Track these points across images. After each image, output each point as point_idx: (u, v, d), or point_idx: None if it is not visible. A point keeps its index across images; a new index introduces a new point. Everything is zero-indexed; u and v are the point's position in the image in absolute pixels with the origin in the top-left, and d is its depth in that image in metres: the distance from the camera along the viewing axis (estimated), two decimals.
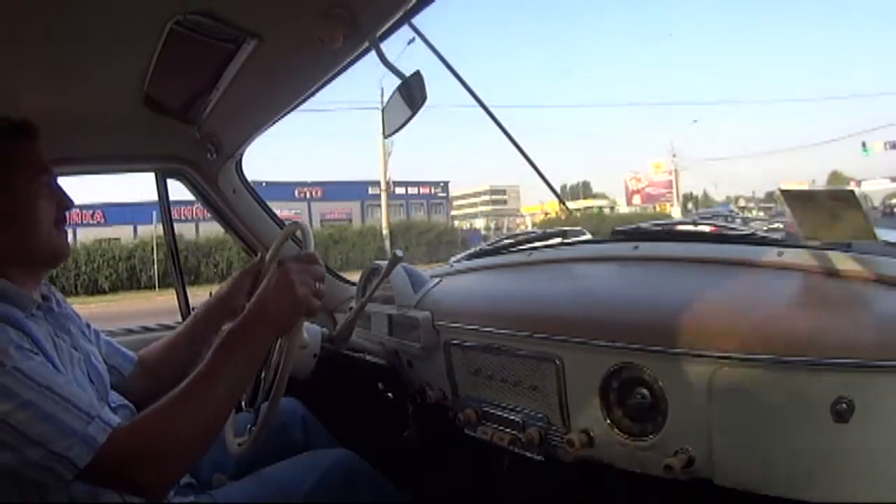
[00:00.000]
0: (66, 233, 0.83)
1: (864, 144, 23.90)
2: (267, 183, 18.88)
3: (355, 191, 23.81)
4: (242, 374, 0.72)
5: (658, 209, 28.85)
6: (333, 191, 23.69)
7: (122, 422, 0.66)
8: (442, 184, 27.90)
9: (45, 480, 0.63)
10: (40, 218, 0.77)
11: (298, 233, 0.93)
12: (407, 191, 26.09)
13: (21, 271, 0.76)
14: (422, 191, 27.34)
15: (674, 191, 28.97)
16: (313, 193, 23.21)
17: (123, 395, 0.89)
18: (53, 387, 0.64)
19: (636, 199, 31.37)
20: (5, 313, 0.69)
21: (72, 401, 0.64)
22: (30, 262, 0.77)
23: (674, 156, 29.56)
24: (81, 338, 0.85)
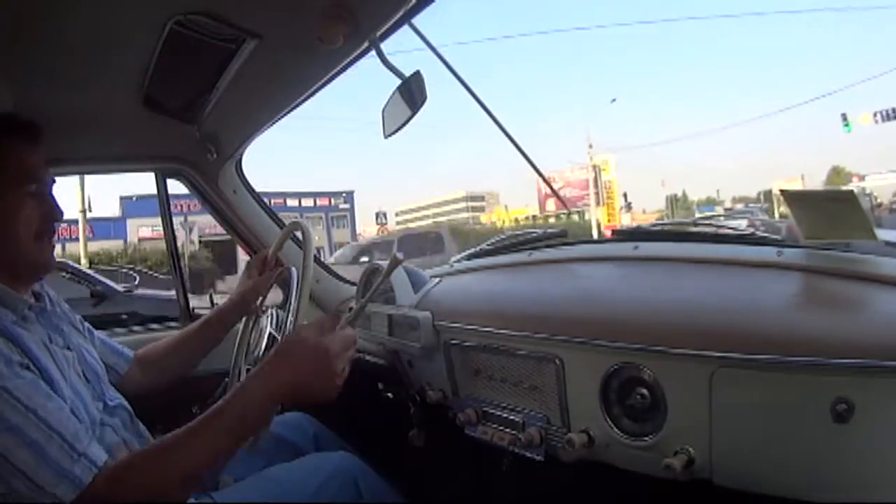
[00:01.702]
0: (50, 245, 0.79)
1: (843, 118, 18.62)
2: (138, 197, 17.43)
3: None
4: (237, 439, 0.67)
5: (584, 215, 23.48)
6: None
7: (108, 459, 0.65)
8: (345, 194, 25.01)
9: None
10: (17, 227, 0.73)
11: (298, 233, 0.93)
12: (300, 203, 23.47)
13: (6, 276, 0.74)
14: (319, 202, 24.40)
15: (599, 191, 23.30)
16: (191, 207, 21.13)
17: (119, 391, 0.89)
18: (40, 411, 0.62)
19: (551, 205, 26.79)
20: None
21: (59, 431, 0.63)
22: (10, 269, 0.75)
23: (590, 146, 23.80)
24: (74, 334, 0.85)
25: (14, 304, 0.73)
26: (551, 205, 26.07)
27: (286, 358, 0.68)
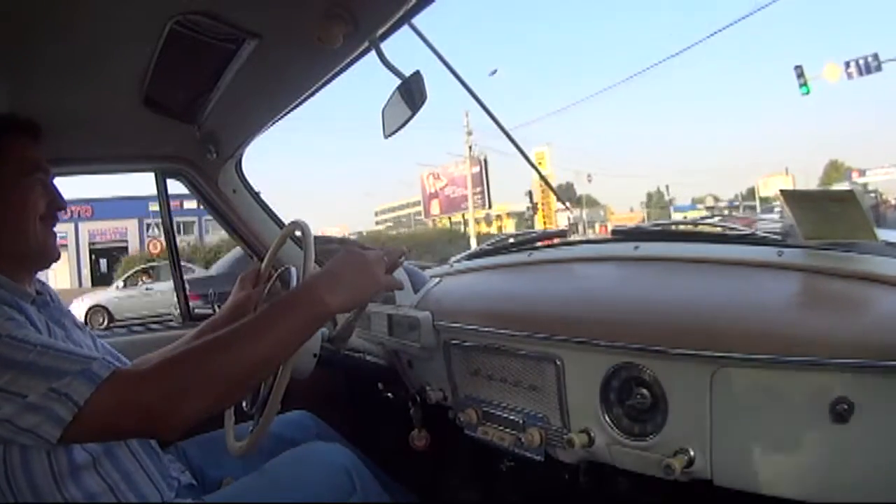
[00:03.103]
0: (54, 233, 0.81)
1: (798, 74, 12.71)
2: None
3: (133, 208, 19.32)
4: (288, 337, 0.68)
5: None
6: (105, 209, 19.88)
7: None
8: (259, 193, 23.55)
9: (39, 429, 0.58)
10: (27, 212, 0.77)
11: (298, 233, 0.93)
12: (200, 205, 21.99)
13: (11, 266, 0.76)
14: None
15: (485, 189, 19.25)
16: (81, 213, 19.45)
17: None
18: (49, 344, 0.63)
19: (435, 206, 22.89)
20: (2, 296, 0.69)
21: (71, 351, 0.62)
22: (18, 257, 0.77)
23: (469, 133, 19.48)
24: (75, 331, 0.85)
25: (19, 294, 0.74)
26: (436, 207, 23.02)
27: (338, 260, 0.75)
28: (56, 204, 0.81)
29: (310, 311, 0.69)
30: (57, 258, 0.83)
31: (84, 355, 0.62)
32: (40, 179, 0.79)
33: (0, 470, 0.66)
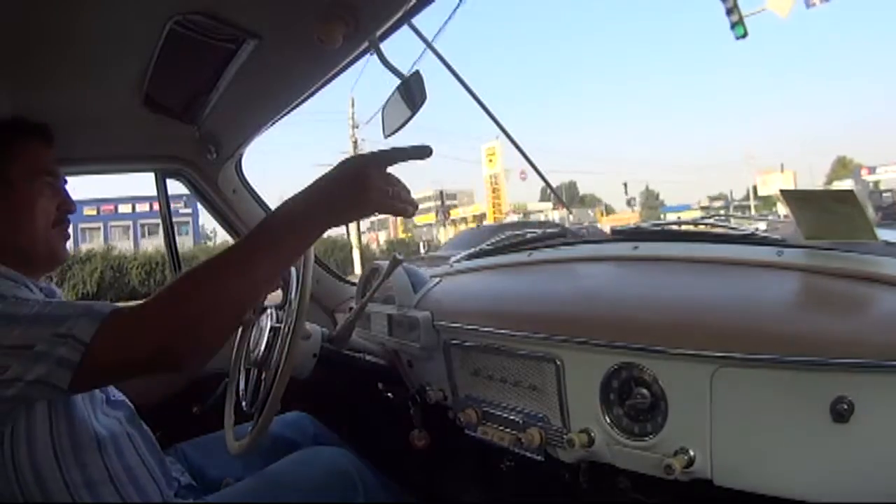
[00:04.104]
0: (65, 236, 0.82)
1: (728, 10, 9.12)
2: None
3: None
4: (284, 257, 0.65)
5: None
6: None
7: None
8: (185, 197, 20.26)
9: (50, 377, 0.57)
10: (37, 215, 0.77)
11: None
12: (134, 208, 20.31)
13: (21, 267, 0.76)
14: (155, 207, 20.58)
15: None
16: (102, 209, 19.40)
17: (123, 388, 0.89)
18: (53, 301, 0.64)
19: None
20: (7, 274, 0.71)
21: (73, 302, 0.62)
22: (26, 260, 0.77)
23: (355, 127, 17.81)
24: None
25: (27, 284, 0.75)
26: None
27: (330, 172, 0.67)
28: (66, 207, 0.81)
29: (302, 226, 0.65)
30: (65, 260, 0.83)
31: (86, 302, 0.61)
32: (50, 182, 0.80)
33: (7, 448, 0.66)
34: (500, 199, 22.39)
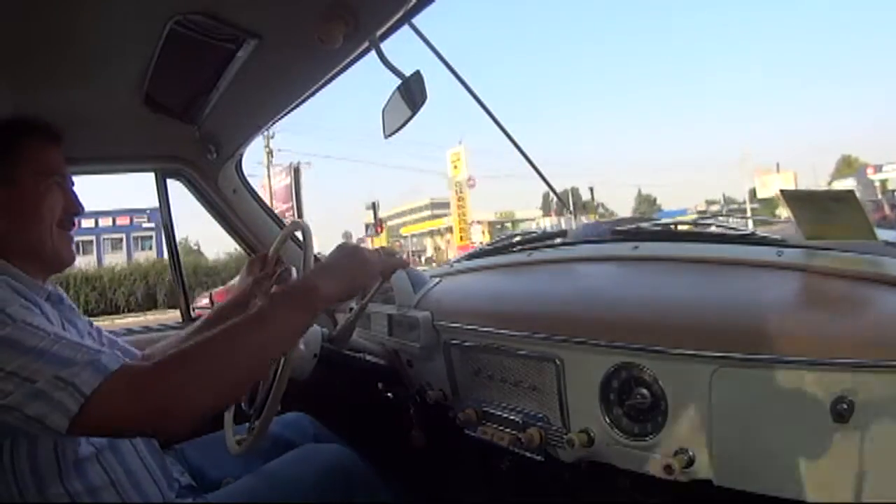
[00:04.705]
0: (70, 237, 0.81)
1: None
2: None
3: None
4: (289, 327, 0.67)
5: None
6: None
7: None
8: (149, 211, 19.73)
9: (47, 418, 0.57)
10: (42, 215, 0.76)
11: (298, 233, 0.93)
12: (97, 223, 19.14)
13: (27, 266, 0.76)
14: (118, 221, 20.15)
15: (294, 205, 14.06)
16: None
17: None
18: (62, 335, 0.62)
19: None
20: (15, 286, 0.69)
21: (83, 343, 0.61)
22: (32, 260, 0.77)
23: (269, 136, 16.86)
24: (86, 334, 0.85)
25: (35, 290, 0.74)
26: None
27: (334, 252, 0.77)
28: (73, 208, 0.80)
29: (306, 301, 0.69)
30: (72, 262, 0.82)
31: (95, 348, 0.61)
32: (57, 183, 0.79)
33: (8, 458, 0.66)
34: (465, 207, 21.77)
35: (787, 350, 0.61)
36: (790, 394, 0.61)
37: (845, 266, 0.72)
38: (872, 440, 0.57)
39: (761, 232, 0.93)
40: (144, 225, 20.35)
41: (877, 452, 0.57)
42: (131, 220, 20.65)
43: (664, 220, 1.22)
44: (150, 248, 20.69)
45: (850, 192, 0.75)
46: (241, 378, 0.64)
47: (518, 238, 1.35)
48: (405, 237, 33.61)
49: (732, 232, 0.99)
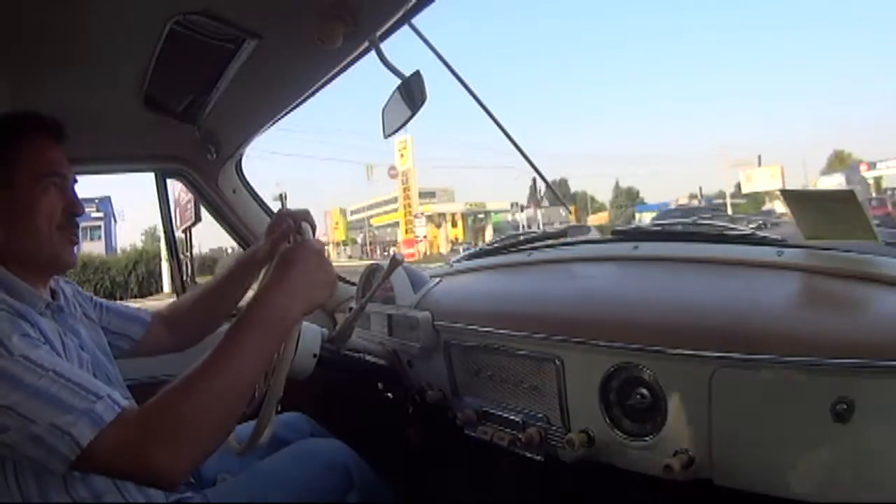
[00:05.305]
0: (72, 240, 0.78)
1: None
2: None
3: None
4: (263, 354, 0.66)
5: None
6: None
7: (132, 405, 0.62)
8: (97, 200, 19.07)
9: (45, 462, 0.58)
10: (39, 217, 0.74)
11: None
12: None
13: (25, 271, 0.74)
14: None
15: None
16: None
17: (139, 354, 0.94)
18: (59, 370, 0.61)
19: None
20: (13, 305, 0.68)
21: (80, 383, 0.61)
22: (31, 264, 0.75)
23: None
24: (88, 335, 0.84)
25: (32, 301, 0.73)
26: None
27: (290, 263, 0.70)
28: (72, 209, 0.78)
29: (281, 325, 0.67)
30: (73, 265, 0.80)
31: (92, 390, 0.61)
32: (55, 182, 0.76)
33: (10, 470, 0.66)
34: (411, 197, 21.08)
35: (787, 350, 0.61)
36: (790, 394, 0.61)
37: (845, 266, 0.72)
38: (872, 440, 0.57)
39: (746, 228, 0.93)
40: (94, 214, 19.47)
41: (877, 452, 0.57)
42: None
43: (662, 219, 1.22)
44: (99, 237, 20.06)
45: (851, 192, 0.75)
46: (228, 414, 0.64)
47: (518, 238, 1.35)
48: (377, 228, 32.87)
49: (732, 232, 0.99)
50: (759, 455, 0.64)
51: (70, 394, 0.60)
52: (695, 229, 1.09)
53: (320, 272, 0.71)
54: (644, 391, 0.74)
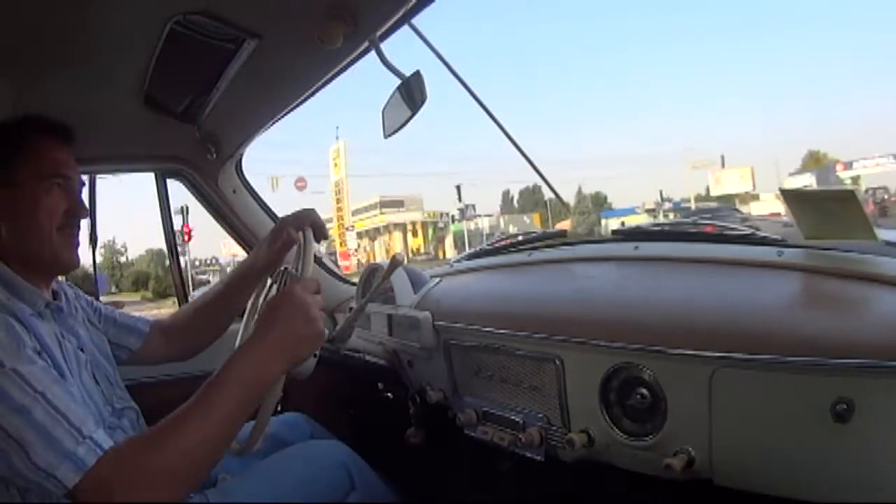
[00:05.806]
0: (73, 241, 0.79)
1: None
2: None
3: None
4: (233, 418, 0.65)
5: None
6: None
7: (113, 444, 0.62)
8: None
9: (41, 493, 0.61)
10: (40, 216, 0.74)
11: (300, 233, 0.93)
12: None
13: (27, 270, 0.75)
14: None
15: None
16: None
17: (137, 363, 0.94)
18: (48, 395, 0.61)
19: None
20: (12, 309, 0.68)
21: (66, 414, 0.61)
22: (33, 263, 0.75)
23: None
24: (88, 337, 0.84)
25: (32, 300, 0.73)
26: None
27: (274, 320, 0.69)
28: (75, 210, 0.78)
29: (248, 386, 0.66)
30: (75, 266, 0.80)
31: (76, 425, 0.61)
32: (59, 183, 0.76)
33: (13, 489, 0.66)
34: (344, 209, 19.89)
35: (787, 350, 0.61)
36: (790, 394, 0.62)
37: (845, 266, 0.72)
38: (872, 441, 0.57)
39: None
40: None
41: (876, 453, 0.57)
42: None
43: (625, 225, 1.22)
44: None
45: (851, 192, 0.75)
46: (199, 467, 0.64)
47: (518, 238, 1.35)
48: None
49: (732, 232, 0.99)
50: (759, 455, 0.64)
51: (55, 425, 0.60)
52: (695, 229, 1.09)
53: (306, 327, 0.69)
54: (644, 391, 0.74)
